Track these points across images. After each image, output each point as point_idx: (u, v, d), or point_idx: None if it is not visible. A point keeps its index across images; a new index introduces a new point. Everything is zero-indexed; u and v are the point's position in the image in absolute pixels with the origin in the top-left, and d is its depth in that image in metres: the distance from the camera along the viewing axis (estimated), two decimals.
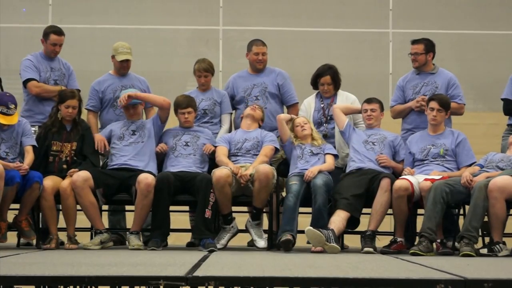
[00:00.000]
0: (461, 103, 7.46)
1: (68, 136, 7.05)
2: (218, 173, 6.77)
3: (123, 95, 7.22)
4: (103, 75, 7.72)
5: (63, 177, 6.88)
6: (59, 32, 7.55)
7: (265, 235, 7.03)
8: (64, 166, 6.97)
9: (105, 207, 7.47)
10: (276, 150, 7.21)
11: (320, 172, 6.90)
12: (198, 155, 7.19)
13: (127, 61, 7.57)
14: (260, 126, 7.35)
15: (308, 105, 7.60)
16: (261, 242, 6.89)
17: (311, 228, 6.49)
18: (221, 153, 7.10)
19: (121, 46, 7.59)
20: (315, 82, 7.59)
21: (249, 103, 7.53)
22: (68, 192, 6.74)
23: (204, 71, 7.57)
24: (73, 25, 9.52)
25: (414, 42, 7.53)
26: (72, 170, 6.87)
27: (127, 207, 7.79)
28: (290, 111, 7.62)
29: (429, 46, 7.50)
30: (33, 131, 7.16)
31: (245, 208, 7.67)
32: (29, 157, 6.84)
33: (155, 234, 6.74)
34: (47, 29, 7.64)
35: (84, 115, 7.49)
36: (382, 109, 7.36)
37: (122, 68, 7.60)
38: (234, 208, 7.25)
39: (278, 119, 7.26)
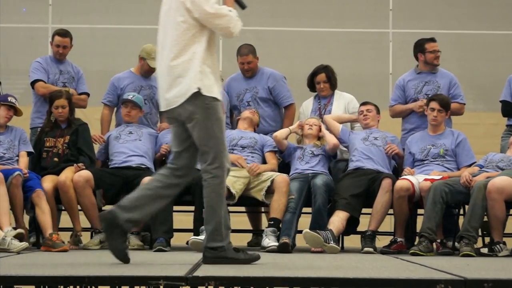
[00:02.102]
0: (462, 103, 7.48)
1: (62, 133, 7.09)
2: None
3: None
4: (124, 72, 7.76)
5: (58, 172, 6.87)
6: (63, 34, 7.63)
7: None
8: (56, 159, 6.98)
9: (105, 207, 7.46)
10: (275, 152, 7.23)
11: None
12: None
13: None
14: (254, 130, 7.34)
15: (306, 107, 7.61)
16: (273, 243, 6.68)
17: (308, 230, 6.49)
18: None
19: (154, 51, 7.57)
20: (311, 83, 7.59)
21: (241, 109, 7.53)
22: (67, 184, 6.74)
23: None
24: (73, 25, 9.49)
25: (434, 40, 7.53)
26: (79, 165, 6.87)
27: None
28: (287, 112, 7.59)
29: None
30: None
31: (243, 208, 7.68)
32: (23, 160, 6.96)
33: (159, 234, 6.63)
34: (53, 32, 7.75)
35: (97, 111, 7.55)
36: (378, 111, 7.37)
37: (150, 72, 7.60)
38: (233, 208, 7.25)
39: (274, 139, 7.21)
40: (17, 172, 6.57)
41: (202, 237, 6.30)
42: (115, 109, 7.73)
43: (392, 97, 7.72)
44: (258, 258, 4.94)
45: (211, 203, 4.87)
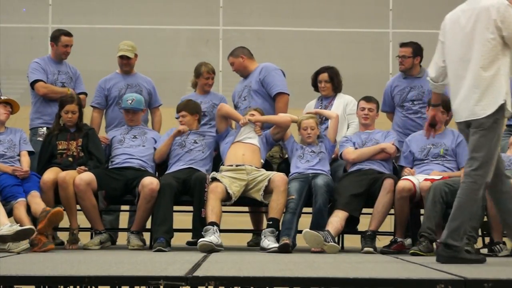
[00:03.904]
0: None
1: (72, 136, 7.07)
2: (213, 185, 6.72)
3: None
4: (111, 74, 7.80)
5: (66, 169, 6.88)
6: (68, 33, 7.71)
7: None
8: (70, 159, 6.98)
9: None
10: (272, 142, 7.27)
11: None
12: (206, 153, 7.22)
13: (128, 58, 7.61)
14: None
15: (309, 108, 7.61)
16: (273, 244, 6.58)
17: (308, 230, 6.49)
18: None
19: (123, 44, 7.73)
20: (315, 83, 7.60)
21: (240, 106, 7.54)
22: (67, 180, 6.72)
23: (212, 72, 7.68)
24: (73, 25, 9.52)
25: (403, 45, 7.58)
26: (82, 167, 6.87)
27: (122, 207, 7.81)
28: (276, 103, 7.49)
29: (417, 50, 7.55)
30: (41, 132, 7.40)
31: (244, 208, 7.67)
32: (25, 160, 6.93)
33: (159, 234, 6.60)
34: (55, 33, 7.80)
35: (89, 112, 7.60)
36: (378, 109, 7.36)
37: (123, 65, 7.69)
38: (234, 208, 7.26)
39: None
40: (20, 199, 6.53)
41: (209, 238, 6.32)
42: (104, 110, 7.76)
43: (382, 103, 7.65)
44: (484, 260, 5.35)
45: (462, 203, 5.23)
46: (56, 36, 7.69)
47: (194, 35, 11.33)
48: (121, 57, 7.65)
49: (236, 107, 7.67)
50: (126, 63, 7.68)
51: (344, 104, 7.50)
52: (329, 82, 7.51)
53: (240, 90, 7.63)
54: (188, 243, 7.47)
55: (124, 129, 7.38)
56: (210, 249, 6.23)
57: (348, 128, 7.46)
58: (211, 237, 6.35)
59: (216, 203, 6.63)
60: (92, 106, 7.73)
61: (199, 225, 6.64)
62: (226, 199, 6.75)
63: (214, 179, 6.78)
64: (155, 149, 7.27)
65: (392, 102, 7.61)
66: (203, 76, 7.67)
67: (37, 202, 6.53)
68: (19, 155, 6.97)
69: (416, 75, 7.55)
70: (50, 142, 7.07)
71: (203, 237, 6.35)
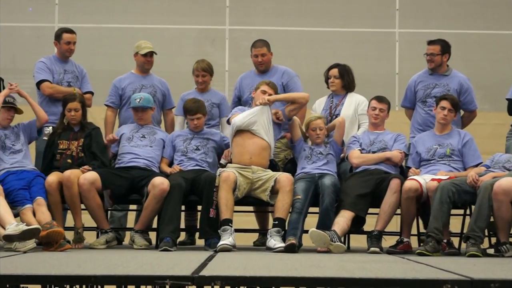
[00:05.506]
0: (474, 109, 7.48)
1: (75, 135, 7.08)
2: (225, 174, 6.74)
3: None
4: (126, 73, 7.79)
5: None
6: (70, 30, 7.71)
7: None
8: (69, 160, 6.98)
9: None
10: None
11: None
12: (209, 158, 7.21)
13: (152, 55, 7.59)
14: None
15: (319, 105, 7.60)
16: (279, 244, 6.58)
17: (314, 229, 6.49)
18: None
19: (143, 42, 7.74)
20: (327, 79, 7.59)
21: (250, 101, 7.50)
22: (71, 179, 6.73)
23: (202, 70, 7.60)
24: (79, 24, 9.54)
25: (430, 42, 7.50)
26: (86, 167, 6.87)
27: (131, 206, 7.80)
28: None
29: (445, 48, 7.50)
30: (47, 132, 7.38)
31: (250, 208, 7.67)
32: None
33: (166, 234, 6.59)
34: (58, 31, 7.83)
35: (103, 111, 7.59)
36: (389, 110, 7.34)
37: (147, 62, 7.66)
38: (240, 208, 7.25)
39: (293, 120, 7.21)
40: (27, 206, 6.54)
41: (228, 240, 6.38)
42: (118, 110, 7.75)
43: (403, 97, 7.72)
44: None
45: None
46: (58, 35, 7.69)
47: (200, 35, 11.33)
48: (145, 54, 7.60)
49: (245, 102, 7.61)
50: (150, 61, 7.66)
51: (355, 104, 7.48)
52: (338, 78, 7.50)
53: (252, 86, 7.55)
54: (180, 243, 7.42)
55: (134, 127, 7.35)
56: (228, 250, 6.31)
57: (359, 128, 7.44)
58: (229, 239, 6.42)
59: (229, 196, 6.63)
60: (106, 105, 7.72)
61: (208, 225, 6.65)
62: (234, 189, 6.73)
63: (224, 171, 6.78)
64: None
65: (414, 97, 7.57)
66: (194, 73, 7.65)
67: (42, 211, 6.55)
68: (25, 144, 7.03)
69: (443, 72, 7.52)
70: (54, 142, 7.09)
71: (213, 234, 6.53)
